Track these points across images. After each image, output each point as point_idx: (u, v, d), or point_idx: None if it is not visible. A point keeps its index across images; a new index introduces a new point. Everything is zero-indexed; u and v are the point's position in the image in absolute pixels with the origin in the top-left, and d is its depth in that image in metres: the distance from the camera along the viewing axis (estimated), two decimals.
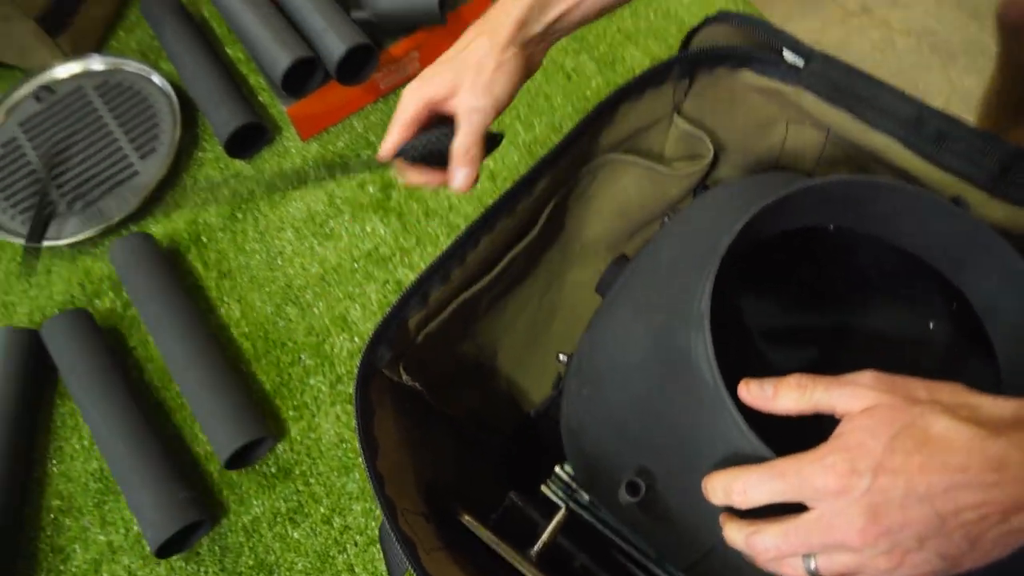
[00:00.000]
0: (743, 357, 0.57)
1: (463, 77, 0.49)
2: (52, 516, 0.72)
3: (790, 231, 0.49)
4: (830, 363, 0.57)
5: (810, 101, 0.51)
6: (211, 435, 0.69)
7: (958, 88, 1.16)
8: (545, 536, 0.47)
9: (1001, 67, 0.78)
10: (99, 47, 0.95)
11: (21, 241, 0.81)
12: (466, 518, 0.47)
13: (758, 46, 0.52)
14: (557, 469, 0.57)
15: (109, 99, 0.89)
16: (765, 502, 0.35)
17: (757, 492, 0.35)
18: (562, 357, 0.59)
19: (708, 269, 0.41)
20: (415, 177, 0.53)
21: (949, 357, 0.49)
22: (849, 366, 0.37)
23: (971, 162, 0.48)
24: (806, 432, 0.43)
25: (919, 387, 0.34)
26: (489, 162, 0.84)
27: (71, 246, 0.83)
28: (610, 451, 0.48)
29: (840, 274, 0.55)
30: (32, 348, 0.75)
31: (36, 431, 0.75)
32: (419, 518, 0.46)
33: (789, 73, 0.51)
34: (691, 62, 0.52)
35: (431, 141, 0.51)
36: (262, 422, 0.71)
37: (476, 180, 0.51)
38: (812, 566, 0.34)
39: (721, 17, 0.54)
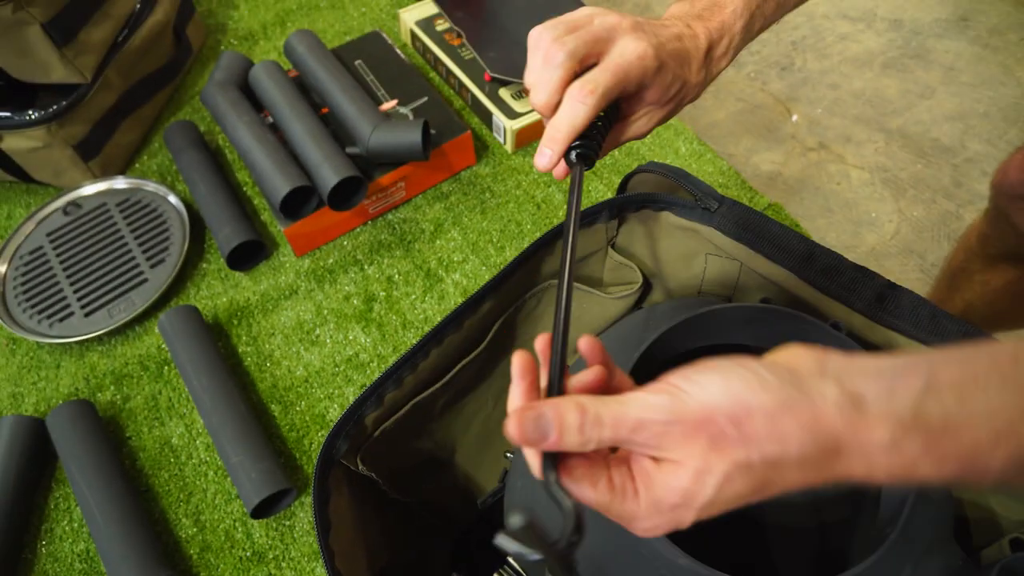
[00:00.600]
0: None
1: (629, 19, 0.47)
2: None
3: (710, 346, 0.58)
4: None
5: (721, 239, 0.62)
6: (240, 485, 0.77)
7: (907, 217, 1.29)
8: None
9: (986, 221, 0.88)
10: (124, 169, 1.07)
11: (38, 340, 0.90)
12: None
13: (680, 192, 0.64)
14: (509, 558, 0.64)
15: (128, 214, 1.00)
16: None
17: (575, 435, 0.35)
18: (509, 455, 0.67)
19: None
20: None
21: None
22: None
23: (852, 292, 0.58)
24: None
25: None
26: (462, 279, 0.94)
27: (80, 343, 0.92)
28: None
29: None
30: (36, 435, 0.83)
31: (31, 513, 0.81)
32: None
33: (703, 215, 0.62)
34: (618, 206, 0.63)
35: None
36: (287, 476, 0.79)
37: (588, 119, 0.46)
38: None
39: (650, 167, 0.66)
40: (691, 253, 0.64)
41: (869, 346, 0.58)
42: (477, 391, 0.68)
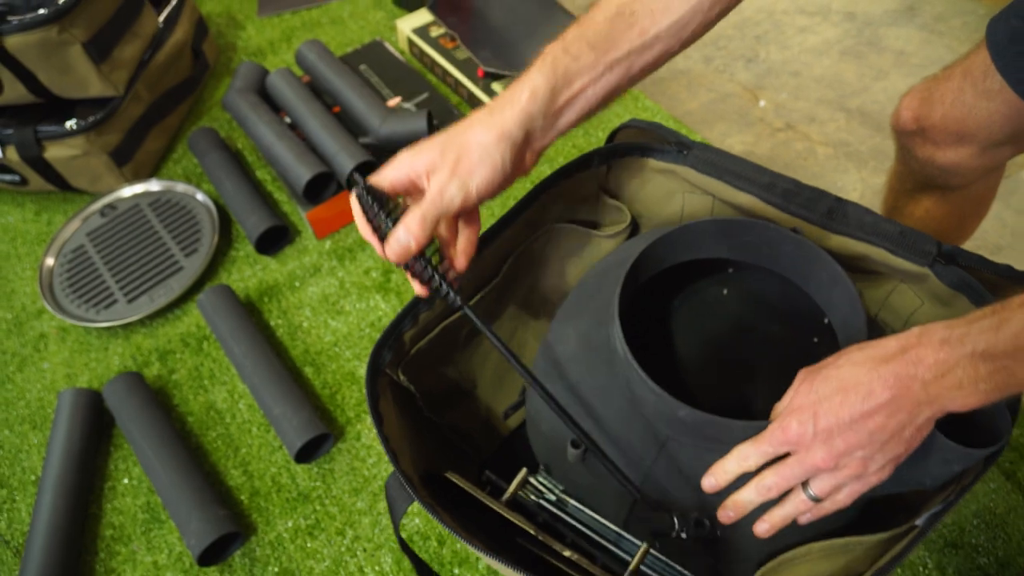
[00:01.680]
0: (665, 354, 0.75)
1: (448, 157, 0.51)
2: (105, 544, 0.85)
3: (695, 261, 0.68)
4: (738, 366, 0.75)
5: (695, 176, 0.72)
6: (283, 434, 0.86)
7: (870, 185, 1.40)
8: (512, 487, 0.63)
9: (897, 161, 1.01)
10: (153, 174, 1.18)
11: (86, 325, 0.99)
12: (451, 475, 0.63)
13: (658, 141, 0.74)
14: (530, 479, 0.72)
15: (160, 213, 1.10)
16: (762, 461, 0.49)
17: (754, 457, 0.50)
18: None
19: (619, 283, 0.60)
20: (361, 225, 0.53)
21: None
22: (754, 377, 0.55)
23: (808, 209, 0.68)
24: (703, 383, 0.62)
25: (825, 360, 0.49)
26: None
27: (124, 327, 1.01)
28: (558, 428, 0.65)
29: (749, 304, 0.74)
30: (94, 405, 0.92)
31: (94, 474, 0.89)
32: (414, 476, 0.62)
33: (679, 157, 0.72)
34: (606, 153, 0.74)
35: (385, 202, 0.52)
36: (325, 424, 0.89)
37: (414, 253, 0.50)
38: (811, 492, 0.49)
39: (632, 123, 0.77)
40: (670, 192, 0.75)
41: (826, 250, 0.67)
42: (493, 327, 0.77)
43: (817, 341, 0.70)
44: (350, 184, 0.53)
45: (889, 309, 0.69)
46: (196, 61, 1.26)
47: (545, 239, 0.76)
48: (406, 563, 0.80)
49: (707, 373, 0.77)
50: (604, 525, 0.64)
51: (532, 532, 0.59)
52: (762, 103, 1.51)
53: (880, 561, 0.52)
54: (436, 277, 0.54)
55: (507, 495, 0.63)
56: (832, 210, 0.67)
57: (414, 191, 0.54)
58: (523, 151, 0.54)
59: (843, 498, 0.50)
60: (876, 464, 0.48)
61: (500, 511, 0.61)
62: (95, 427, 0.91)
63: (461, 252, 0.58)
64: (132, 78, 1.11)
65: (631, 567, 0.58)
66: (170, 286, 1.03)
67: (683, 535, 0.57)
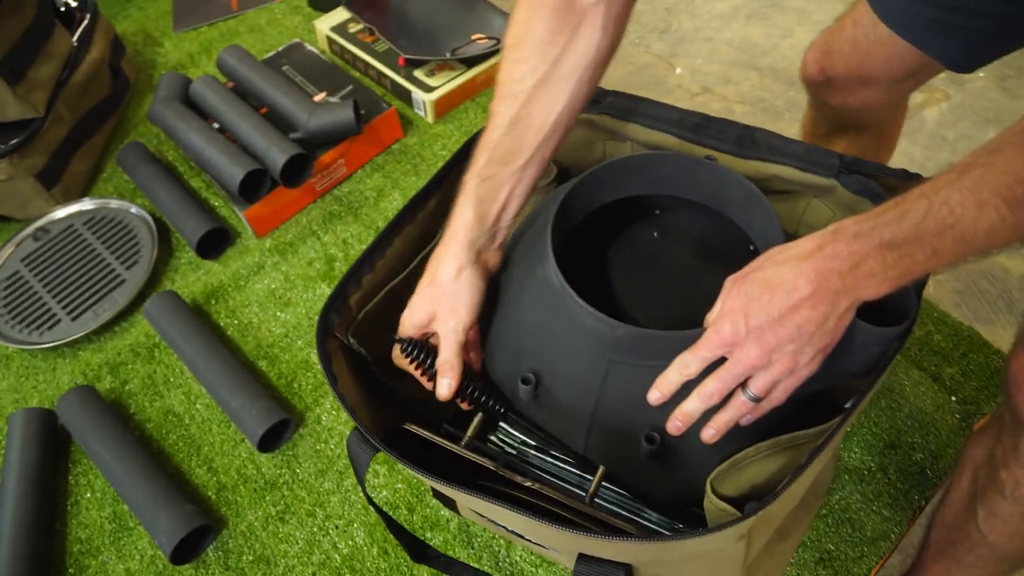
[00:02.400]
0: (607, 300, 0.78)
1: (437, 305, 0.62)
2: (74, 559, 0.84)
3: (623, 209, 0.71)
4: (675, 303, 0.79)
5: (611, 122, 0.76)
6: (243, 426, 0.87)
7: (787, 134, 1.47)
8: (470, 431, 0.65)
9: (811, 108, 1.06)
10: (85, 194, 1.17)
11: (30, 348, 0.98)
12: (409, 425, 0.65)
13: None
14: (491, 437, 0.74)
15: (96, 230, 1.10)
16: (702, 367, 0.52)
17: (694, 364, 0.53)
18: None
19: (549, 222, 0.63)
20: (412, 371, 0.65)
21: None
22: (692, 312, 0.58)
23: (720, 139, 0.72)
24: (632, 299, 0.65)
25: (750, 265, 0.53)
26: None
27: (70, 345, 1.00)
28: (511, 367, 0.67)
29: (680, 243, 0.77)
30: (48, 423, 0.91)
31: (55, 492, 0.89)
32: (373, 430, 0.64)
33: (594, 107, 0.76)
34: None
35: (424, 348, 0.64)
36: (285, 410, 0.90)
37: (456, 389, 0.62)
38: (750, 393, 0.52)
39: None
40: (590, 141, 0.78)
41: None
42: None
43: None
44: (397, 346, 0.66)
45: (806, 225, 0.74)
46: (116, 79, 1.25)
47: None
48: (378, 534, 0.82)
49: (648, 313, 0.81)
50: (563, 467, 0.67)
51: (492, 468, 0.61)
52: (678, 70, 1.57)
53: (818, 441, 0.56)
54: (482, 397, 0.66)
55: (466, 439, 0.65)
56: (741, 137, 0.71)
57: (428, 331, 0.65)
58: (483, 263, 0.64)
59: (779, 394, 0.53)
60: (806, 356, 0.51)
61: (460, 452, 0.63)
62: (50, 445, 0.90)
63: (475, 357, 0.68)
64: (51, 99, 1.10)
65: (591, 489, 0.61)
66: (114, 299, 1.02)
67: (639, 453, 0.60)
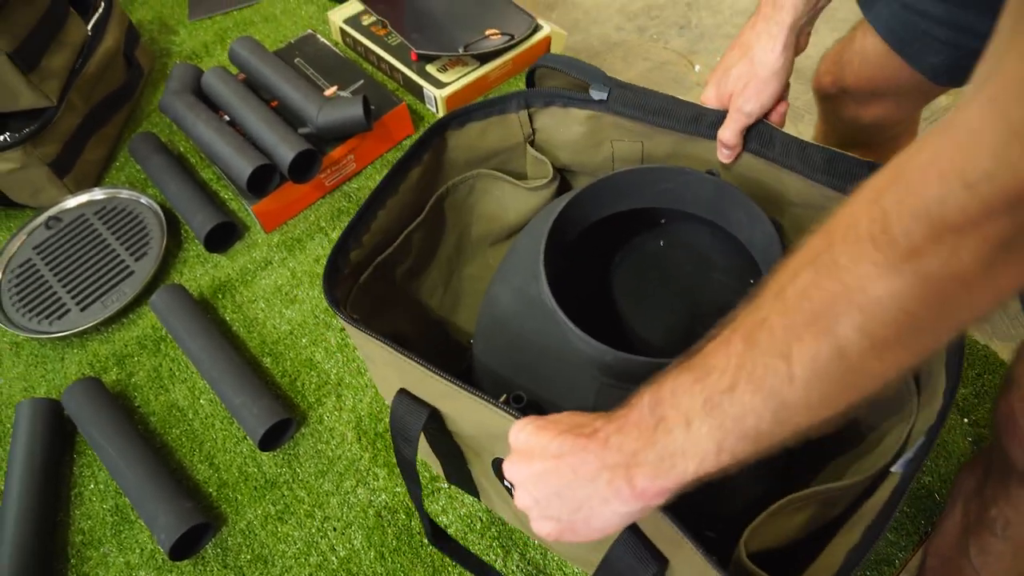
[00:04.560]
0: (610, 311, 0.77)
1: (747, 80, 0.63)
2: (76, 550, 0.85)
3: (627, 216, 0.70)
4: (681, 317, 0.77)
5: (620, 120, 0.74)
6: (245, 424, 0.87)
7: (806, 137, 1.45)
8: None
9: (821, 122, 1.04)
10: (97, 183, 1.17)
11: (39, 337, 0.98)
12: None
13: (579, 82, 0.75)
14: None
15: (107, 220, 1.10)
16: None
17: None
18: (472, 341, 0.78)
19: (543, 243, 0.62)
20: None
21: None
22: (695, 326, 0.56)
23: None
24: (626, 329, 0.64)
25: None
26: None
27: (79, 335, 1.01)
28: (501, 382, 0.67)
29: (686, 253, 0.76)
30: (54, 414, 0.92)
31: (59, 482, 0.90)
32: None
33: (601, 104, 0.74)
34: (525, 98, 0.75)
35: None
36: (287, 409, 0.90)
37: (736, 157, 0.67)
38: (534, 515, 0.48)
39: (545, 61, 0.74)
40: (598, 140, 0.76)
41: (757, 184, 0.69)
42: (428, 272, 0.77)
43: (753, 283, 0.73)
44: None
45: None
46: (129, 68, 1.25)
47: (470, 187, 0.77)
48: (376, 538, 0.82)
49: (651, 324, 0.80)
50: None
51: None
52: (697, 68, 1.54)
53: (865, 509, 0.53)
54: None
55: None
56: (762, 134, 0.68)
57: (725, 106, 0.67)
58: (798, 46, 0.65)
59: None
60: (544, 523, 0.48)
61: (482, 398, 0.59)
62: (56, 435, 0.91)
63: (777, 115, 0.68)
64: (65, 88, 1.10)
65: None
66: (122, 291, 1.03)
67: None
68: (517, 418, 0.52)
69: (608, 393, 0.59)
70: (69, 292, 1.03)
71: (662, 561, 0.53)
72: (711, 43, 1.60)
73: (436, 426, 0.64)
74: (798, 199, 0.68)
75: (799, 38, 0.64)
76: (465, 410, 0.59)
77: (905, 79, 0.81)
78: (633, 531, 0.53)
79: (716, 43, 1.60)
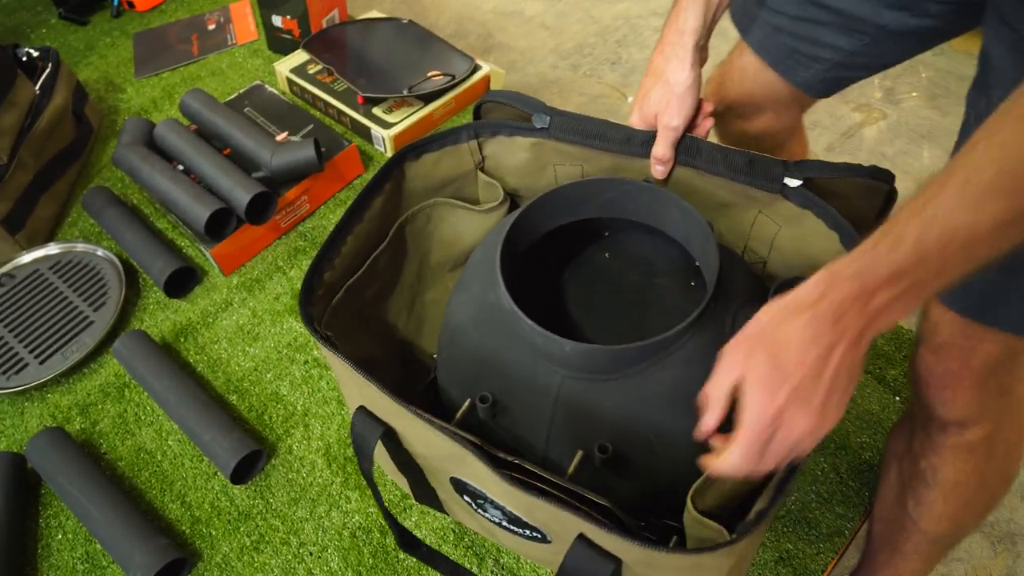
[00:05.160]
0: (556, 308, 0.81)
1: (667, 100, 0.70)
2: None
3: (574, 232, 0.75)
4: (630, 323, 0.82)
5: (561, 146, 0.80)
6: (216, 459, 0.88)
7: None
8: (458, 415, 0.67)
9: (716, 136, 1.12)
10: (50, 239, 1.18)
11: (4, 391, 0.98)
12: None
13: (523, 113, 0.81)
14: None
15: (62, 274, 1.11)
16: (756, 460, 0.50)
17: (746, 464, 0.50)
18: (434, 356, 0.82)
19: (498, 247, 0.67)
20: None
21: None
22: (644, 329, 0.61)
23: None
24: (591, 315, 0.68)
25: (748, 327, 0.50)
26: None
27: (39, 388, 1.01)
28: (469, 386, 0.70)
29: (630, 263, 0.81)
30: (16, 467, 0.91)
31: (24, 536, 0.89)
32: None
33: (543, 132, 0.80)
34: (474, 129, 0.80)
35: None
36: (256, 441, 0.91)
37: (669, 173, 0.74)
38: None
39: (491, 97, 0.81)
40: (542, 165, 0.82)
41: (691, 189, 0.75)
42: (393, 297, 0.81)
43: (694, 284, 0.78)
44: None
45: (755, 239, 0.77)
46: (79, 125, 1.27)
47: (427, 215, 0.82)
48: (352, 558, 0.83)
49: (601, 331, 0.85)
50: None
51: (478, 444, 0.61)
52: (629, 99, 1.63)
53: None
54: None
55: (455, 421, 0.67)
56: (689, 147, 0.74)
57: (652, 125, 0.74)
58: (701, 61, 0.73)
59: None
60: (838, 403, 0.49)
61: (450, 430, 0.61)
62: (19, 489, 0.91)
63: (703, 130, 0.76)
64: (15, 146, 1.12)
65: (570, 469, 0.63)
66: (82, 341, 1.03)
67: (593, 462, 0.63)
68: (459, 442, 0.55)
69: (570, 386, 0.63)
70: (26, 346, 1.03)
71: (615, 561, 0.56)
72: (641, 75, 1.70)
73: (394, 444, 0.67)
74: (727, 199, 0.74)
75: (701, 54, 0.73)
76: (415, 430, 0.62)
77: (782, 92, 0.90)
78: (581, 539, 0.56)
79: None
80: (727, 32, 0.91)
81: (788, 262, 0.75)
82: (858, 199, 0.70)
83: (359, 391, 0.65)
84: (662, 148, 0.73)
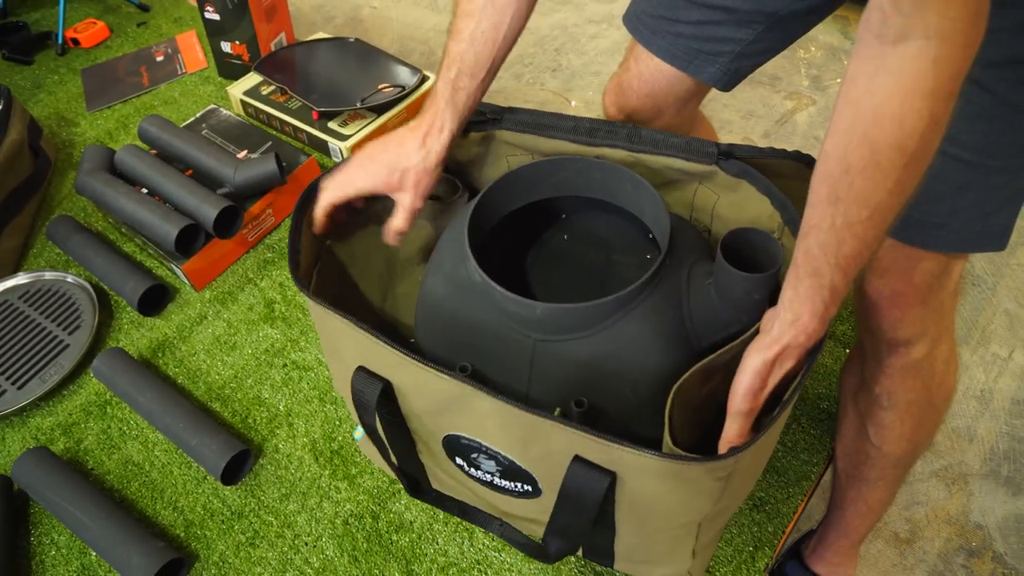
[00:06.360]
0: (520, 288, 0.86)
1: (404, 180, 0.74)
2: None
3: (532, 216, 0.81)
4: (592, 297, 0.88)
5: (512, 136, 0.85)
6: (204, 462, 0.91)
7: None
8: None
9: None
10: (16, 271, 1.19)
11: None
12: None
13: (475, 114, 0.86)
14: None
15: (33, 302, 1.12)
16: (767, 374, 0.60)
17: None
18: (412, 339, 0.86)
19: (465, 226, 0.72)
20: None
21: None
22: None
23: (611, 139, 0.82)
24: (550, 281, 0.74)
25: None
26: None
27: (18, 412, 1.02)
28: (443, 363, 0.75)
29: (588, 242, 0.87)
30: (3, 489, 0.92)
31: (17, 556, 0.90)
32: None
33: (493, 124, 0.85)
34: None
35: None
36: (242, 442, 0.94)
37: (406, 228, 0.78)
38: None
39: None
40: (496, 157, 0.87)
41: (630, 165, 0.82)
42: (364, 291, 0.86)
43: (649, 257, 0.84)
44: None
45: (697, 208, 0.84)
46: (37, 158, 1.29)
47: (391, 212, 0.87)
48: (347, 544, 0.87)
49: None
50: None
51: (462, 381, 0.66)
52: (573, 103, 1.71)
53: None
54: None
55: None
56: (630, 134, 0.81)
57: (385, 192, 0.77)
58: (448, 158, 0.78)
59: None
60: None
61: (430, 366, 0.65)
62: (8, 509, 0.92)
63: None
64: None
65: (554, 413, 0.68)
66: (60, 364, 1.05)
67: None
68: (459, 379, 0.62)
69: (543, 348, 0.69)
70: (3, 374, 1.04)
71: (610, 474, 0.61)
72: (582, 80, 1.79)
73: (390, 406, 0.72)
74: (670, 176, 0.81)
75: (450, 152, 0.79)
76: (415, 379, 0.67)
77: (682, 88, 0.98)
78: (577, 460, 0.61)
79: (586, 80, 1.79)
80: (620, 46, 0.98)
81: (729, 227, 0.82)
82: (795, 178, 0.78)
83: (357, 350, 0.70)
84: (401, 223, 0.77)
